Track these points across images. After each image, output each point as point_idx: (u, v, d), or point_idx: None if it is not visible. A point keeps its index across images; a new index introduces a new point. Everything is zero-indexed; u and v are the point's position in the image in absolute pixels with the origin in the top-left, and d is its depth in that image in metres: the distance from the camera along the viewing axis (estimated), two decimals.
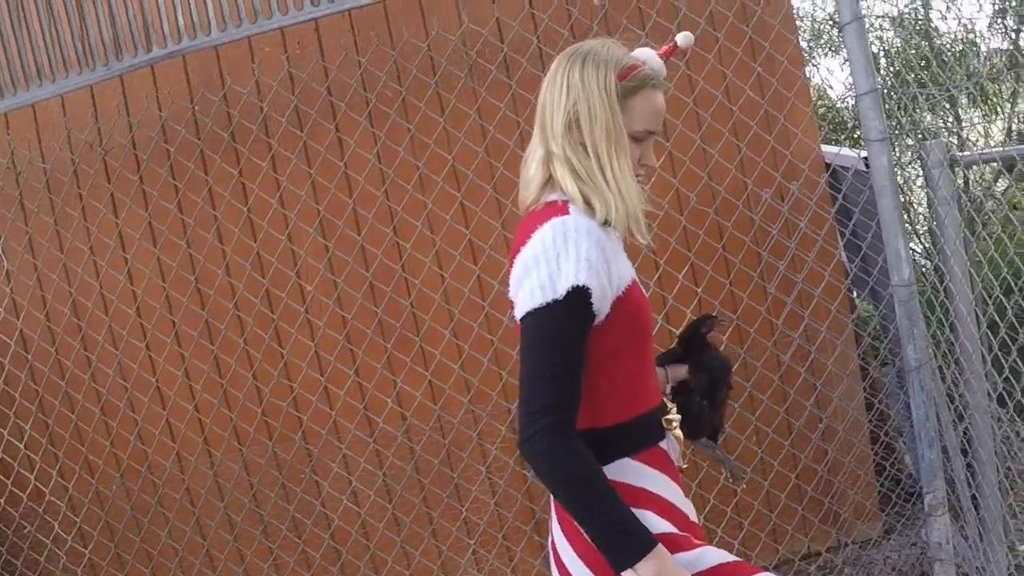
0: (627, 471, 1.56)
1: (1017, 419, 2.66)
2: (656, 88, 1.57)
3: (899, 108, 3.56)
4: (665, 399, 1.70)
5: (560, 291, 1.42)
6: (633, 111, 1.55)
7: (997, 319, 2.80)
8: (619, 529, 1.40)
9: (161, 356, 3.00)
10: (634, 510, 1.47)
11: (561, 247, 1.45)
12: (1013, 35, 3.90)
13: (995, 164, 3.71)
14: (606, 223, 1.50)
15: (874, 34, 3.95)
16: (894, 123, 3.70)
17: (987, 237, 3.28)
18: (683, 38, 1.63)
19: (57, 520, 3.00)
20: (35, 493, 3.01)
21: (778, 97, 3.01)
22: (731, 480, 1.95)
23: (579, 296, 1.42)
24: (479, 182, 2.95)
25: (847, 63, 3.08)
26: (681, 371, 1.85)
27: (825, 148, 3.19)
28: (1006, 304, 2.79)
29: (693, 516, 1.67)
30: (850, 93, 3.65)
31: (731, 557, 1.61)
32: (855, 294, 3.31)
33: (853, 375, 3.12)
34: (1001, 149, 3.04)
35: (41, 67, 2.70)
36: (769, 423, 3.06)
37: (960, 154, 2.87)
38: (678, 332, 1.92)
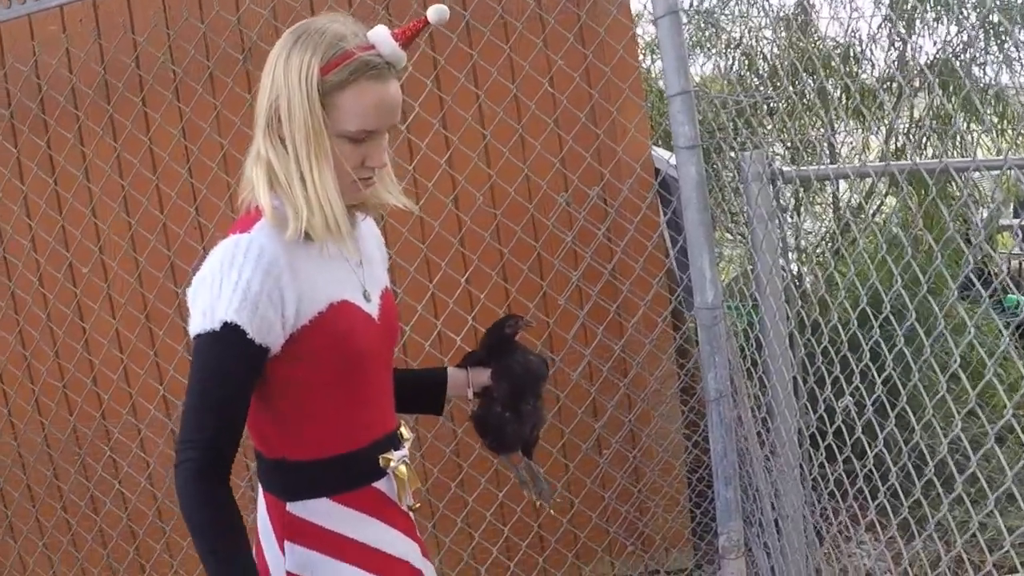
0: (321, 512, 1.52)
1: (827, 464, 2.60)
2: (378, 79, 1.40)
3: (770, 115, 3.51)
4: (403, 430, 1.65)
5: (216, 323, 1.37)
6: (342, 109, 1.40)
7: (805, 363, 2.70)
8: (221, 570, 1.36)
9: None
10: (322, 558, 1.50)
11: (226, 273, 1.39)
12: (900, 44, 3.78)
13: (869, 180, 3.63)
14: (308, 236, 1.44)
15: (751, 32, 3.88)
16: (762, 130, 3.65)
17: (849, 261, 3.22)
18: (435, 12, 1.44)
19: None
20: None
21: (605, 94, 2.99)
22: (536, 501, 1.91)
23: (233, 332, 1.37)
24: None
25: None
26: (484, 376, 1.78)
27: (656, 151, 3.17)
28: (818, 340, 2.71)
29: (417, 560, 1.64)
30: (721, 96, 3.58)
31: None
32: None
33: (675, 396, 3.11)
34: (830, 166, 2.96)
35: None
36: (584, 437, 3.07)
37: (785, 168, 2.81)
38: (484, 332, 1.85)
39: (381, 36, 1.42)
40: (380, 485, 1.56)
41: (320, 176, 1.41)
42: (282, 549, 1.52)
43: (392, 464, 1.56)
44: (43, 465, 3.19)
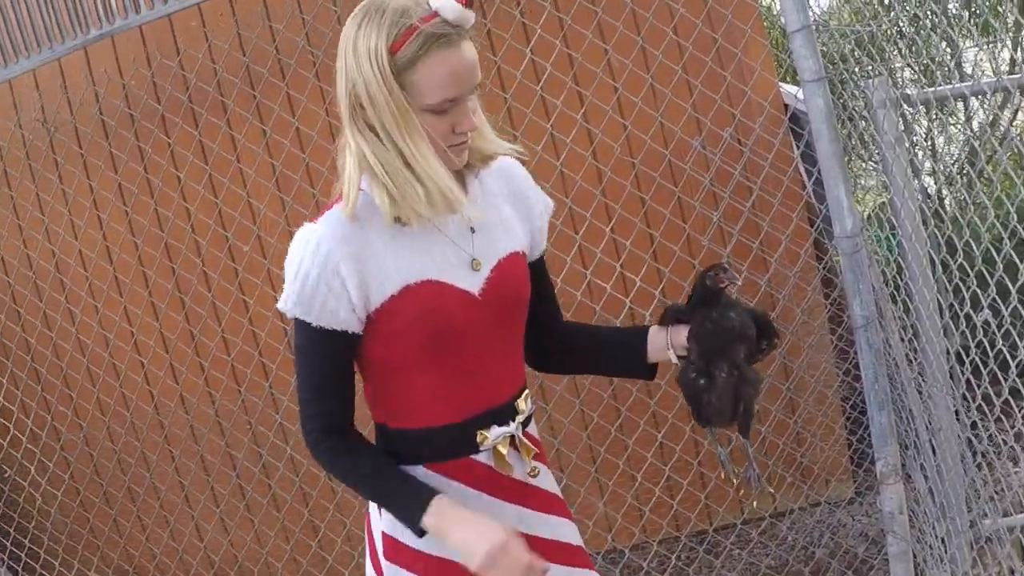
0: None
1: (974, 380, 2.87)
2: (449, 46, 1.47)
3: (895, 42, 3.73)
4: (520, 402, 1.73)
5: (286, 310, 1.58)
6: (419, 85, 1.48)
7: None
8: (397, 501, 1.60)
9: (139, 308, 3.61)
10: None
11: (291, 263, 1.56)
12: None
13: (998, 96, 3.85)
14: (397, 219, 1.56)
15: None
16: (885, 57, 3.88)
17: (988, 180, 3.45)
18: None
19: (52, 460, 3.69)
20: (17, 439, 3.71)
21: (729, 36, 3.28)
22: (739, 488, 1.95)
23: (299, 321, 1.57)
24: None
25: None
26: (683, 336, 1.73)
27: (784, 87, 3.46)
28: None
29: (537, 525, 1.74)
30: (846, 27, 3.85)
31: None
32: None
33: (824, 326, 3.41)
34: (952, 86, 3.20)
35: (16, 44, 3.29)
36: None
37: (910, 92, 3.08)
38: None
39: (443, 1, 1.47)
40: (480, 458, 1.68)
41: (421, 153, 1.50)
42: (379, 509, 1.71)
43: (488, 442, 1.67)
44: (216, 436, 3.65)
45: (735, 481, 1.85)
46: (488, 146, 1.67)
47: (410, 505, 1.57)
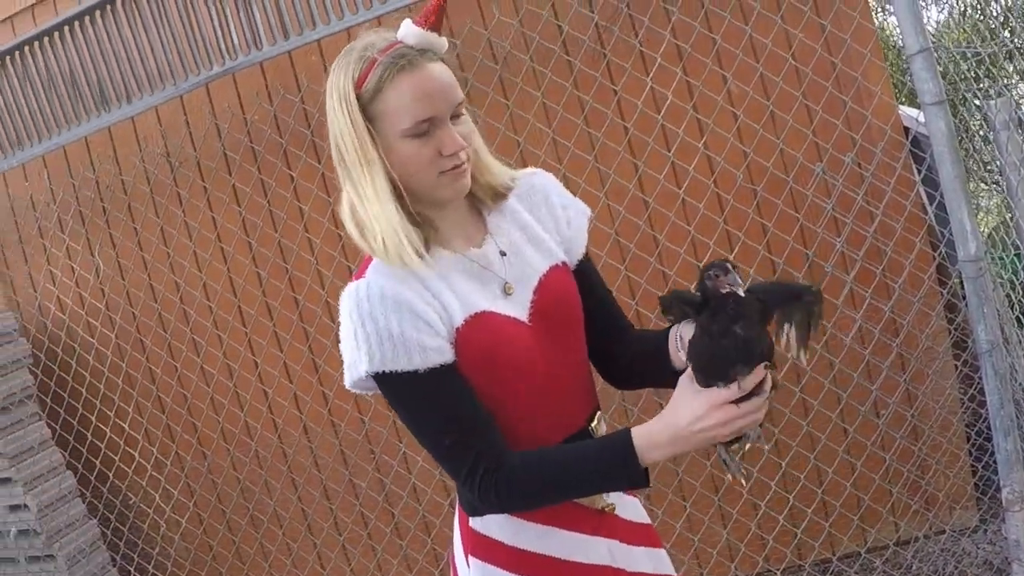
0: (499, 527, 1.63)
1: None
2: (413, 68, 1.49)
3: (1010, 58, 3.77)
4: (594, 425, 1.69)
5: (374, 371, 1.49)
6: (389, 112, 1.49)
7: None
8: (603, 471, 1.50)
9: (263, 340, 3.77)
10: (506, 575, 1.62)
11: (357, 325, 1.49)
12: None
13: None
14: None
15: None
16: (1004, 75, 3.93)
17: None
18: None
19: (176, 488, 3.88)
20: (142, 467, 3.92)
21: (847, 60, 3.37)
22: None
23: (399, 378, 1.48)
24: (579, 152, 3.51)
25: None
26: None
27: (903, 110, 3.53)
28: None
29: (624, 557, 1.70)
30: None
31: None
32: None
33: (948, 351, 3.47)
34: None
35: (140, 81, 3.47)
36: (861, 400, 3.46)
37: None
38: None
39: (405, 28, 1.53)
40: None
41: (376, 189, 1.50)
42: (467, 562, 1.66)
43: None
44: (339, 464, 3.80)
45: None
46: (497, 179, 1.65)
47: (617, 467, 1.49)
